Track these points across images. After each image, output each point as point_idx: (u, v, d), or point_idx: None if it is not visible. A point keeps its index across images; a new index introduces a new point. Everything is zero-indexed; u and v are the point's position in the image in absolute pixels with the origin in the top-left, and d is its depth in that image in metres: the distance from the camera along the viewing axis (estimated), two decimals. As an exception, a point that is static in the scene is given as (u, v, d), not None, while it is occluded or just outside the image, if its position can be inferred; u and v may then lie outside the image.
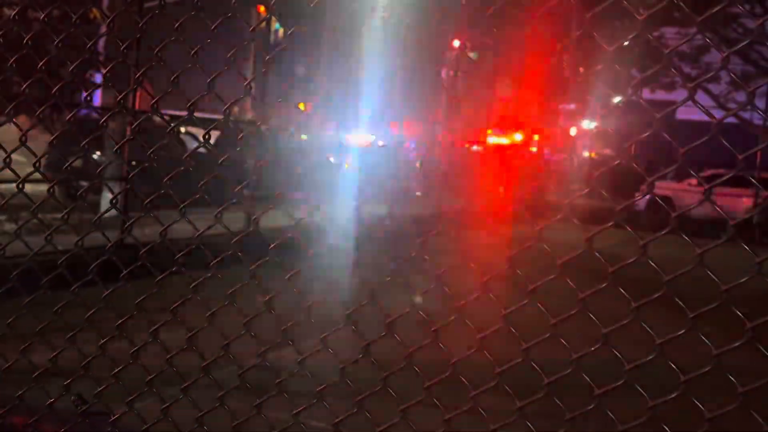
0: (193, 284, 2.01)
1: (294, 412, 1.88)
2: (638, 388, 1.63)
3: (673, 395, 1.55)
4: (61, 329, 2.30)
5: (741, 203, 20.12)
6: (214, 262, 1.98)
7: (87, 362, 2.19)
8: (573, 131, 36.26)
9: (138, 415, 2.09)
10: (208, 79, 2.04)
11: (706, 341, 1.52)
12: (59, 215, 2.42)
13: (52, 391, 2.30)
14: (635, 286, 1.61)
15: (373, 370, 1.81)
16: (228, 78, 2.16)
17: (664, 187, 25.11)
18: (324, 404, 1.89)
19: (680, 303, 1.53)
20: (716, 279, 1.47)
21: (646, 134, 1.79)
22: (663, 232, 1.54)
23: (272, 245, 1.90)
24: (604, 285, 1.56)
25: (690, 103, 1.60)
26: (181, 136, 15.28)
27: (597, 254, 1.62)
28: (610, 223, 1.62)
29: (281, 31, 26.00)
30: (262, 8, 22.90)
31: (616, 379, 1.60)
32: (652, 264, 1.58)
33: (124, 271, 2.11)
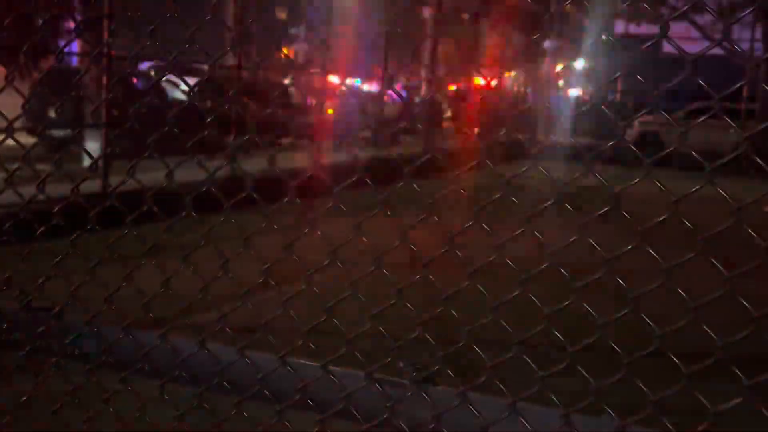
0: (168, 226, 1.92)
1: (280, 354, 1.82)
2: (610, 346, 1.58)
3: (623, 310, 1.50)
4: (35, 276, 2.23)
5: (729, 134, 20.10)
6: (188, 199, 1.89)
7: (59, 310, 2.12)
8: (558, 68, 36.01)
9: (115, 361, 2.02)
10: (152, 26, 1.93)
11: (653, 253, 1.45)
12: (43, 166, 2.34)
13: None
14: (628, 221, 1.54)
15: (361, 307, 1.74)
16: (211, 27, 2.06)
17: (651, 122, 25.11)
18: (311, 344, 1.82)
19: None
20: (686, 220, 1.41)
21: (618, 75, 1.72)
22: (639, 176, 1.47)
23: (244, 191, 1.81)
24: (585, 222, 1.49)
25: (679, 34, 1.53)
26: (161, 84, 15.02)
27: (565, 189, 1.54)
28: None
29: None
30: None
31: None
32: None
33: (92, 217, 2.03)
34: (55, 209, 2.05)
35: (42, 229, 2.16)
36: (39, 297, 2.22)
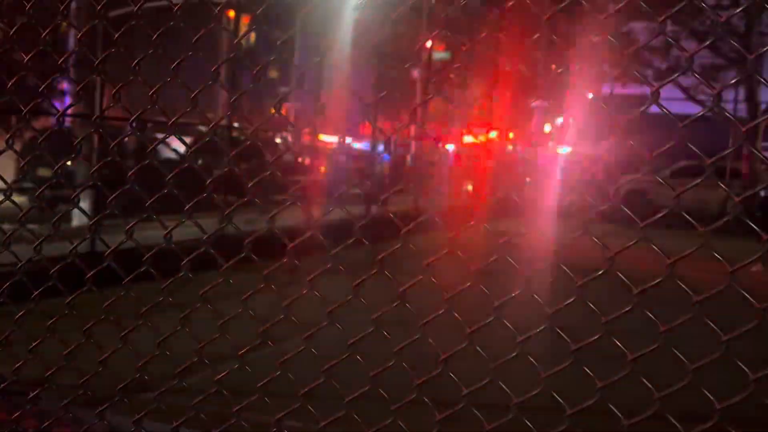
0: (164, 286, 1.92)
1: (277, 416, 1.80)
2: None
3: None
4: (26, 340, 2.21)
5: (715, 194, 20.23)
6: (185, 261, 1.89)
7: (51, 373, 2.10)
8: (547, 128, 36.42)
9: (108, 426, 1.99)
10: (151, 92, 1.97)
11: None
12: (35, 226, 2.34)
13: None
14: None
15: (360, 368, 1.73)
16: (203, 84, 2.09)
17: (639, 181, 25.25)
18: (309, 407, 1.80)
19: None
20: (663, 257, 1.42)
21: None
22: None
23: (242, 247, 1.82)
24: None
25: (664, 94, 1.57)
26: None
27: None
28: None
29: (252, 36, 25.81)
30: (231, 13, 22.71)
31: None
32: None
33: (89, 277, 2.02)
34: (53, 271, 2.04)
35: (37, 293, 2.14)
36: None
